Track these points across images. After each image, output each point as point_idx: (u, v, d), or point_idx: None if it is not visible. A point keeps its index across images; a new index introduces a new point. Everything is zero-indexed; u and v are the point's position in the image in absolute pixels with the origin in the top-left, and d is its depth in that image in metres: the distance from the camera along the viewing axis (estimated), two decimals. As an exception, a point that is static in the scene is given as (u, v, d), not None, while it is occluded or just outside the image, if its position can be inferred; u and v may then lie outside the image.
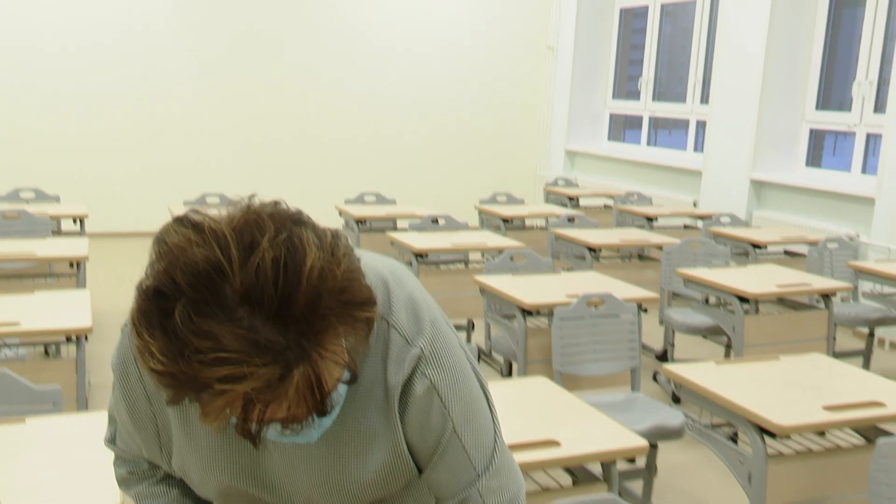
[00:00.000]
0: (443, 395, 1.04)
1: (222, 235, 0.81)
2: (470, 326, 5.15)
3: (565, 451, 1.94)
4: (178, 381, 0.80)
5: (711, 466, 3.56)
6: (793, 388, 2.46)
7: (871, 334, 4.79)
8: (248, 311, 0.78)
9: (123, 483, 1.22)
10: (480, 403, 1.10)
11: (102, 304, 5.66)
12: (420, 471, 1.09)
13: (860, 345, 5.20)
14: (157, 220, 7.76)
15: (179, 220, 0.85)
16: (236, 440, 1.06)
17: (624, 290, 3.52)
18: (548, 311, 3.34)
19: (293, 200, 7.91)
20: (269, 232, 0.81)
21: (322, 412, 0.85)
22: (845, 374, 2.60)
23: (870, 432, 2.55)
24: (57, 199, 5.71)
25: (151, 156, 7.75)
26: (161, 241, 0.84)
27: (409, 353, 1.01)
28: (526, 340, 3.31)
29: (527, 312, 3.32)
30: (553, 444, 1.96)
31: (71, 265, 4.15)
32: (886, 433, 2.46)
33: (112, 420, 1.20)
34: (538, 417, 2.13)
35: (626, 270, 4.74)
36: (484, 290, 3.64)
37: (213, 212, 0.87)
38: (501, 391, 2.32)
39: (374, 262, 1.06)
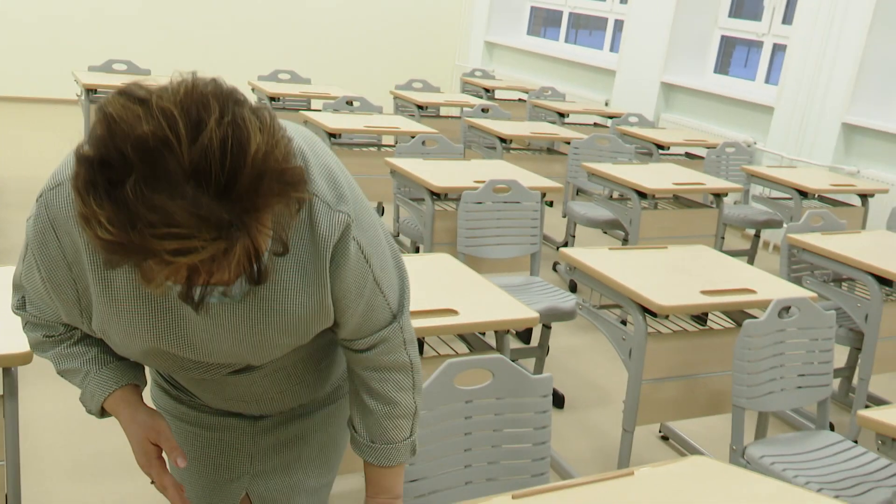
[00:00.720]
0: (366, 254, 1.16)
1: (169, 113, 0.83)
2: (380, 209, 5.23)
3: (462, 319, 2.07)
4: (127, 251, 0.84)
5: (600, 349, 3.81)
6: (676, 275, 2.65)
7: (758, 235, 5.10)
8: (194, 188, 0.81)
9: (38, 347, 1.24)
10: (387, 253, 1.23)
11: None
12: (337, 321, 1.21)
13: (747, 245, 5.53)
14: (60, 86, 7.43)
15: (124, 94, 0.87)
16: (158, 303, 1.10)
17: (530, 179, 3.65)
18: (456, 196, 3.44)
19: (204, 73, 7.66)
20: (214, 112, 0.84)
21: (258, 281, 0.92)
22: (726, 265, 2.81)
23: (740, 317, 2.79)
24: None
25: (54, 20, 7.35)
26: (105, 112, 0.86)
27: (336, 218, 1.10)
28: (433, 223, 3.41)
29: (435, 195, 3.41)
30: (451, 312, 2.09)
31: (-33, 125, 3.99)
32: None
33: (18, 288, 1.20)
34: (439, 289, 2.25)
35: (535, 162, 4.87)
36: (394, 172, 3.70)
37: (152, 85, 0.89)
38: (406, 264, 2.41)
39: (290, 132, 1.12)
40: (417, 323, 2.01)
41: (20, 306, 1.22)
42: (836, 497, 2.08)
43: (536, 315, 2.13)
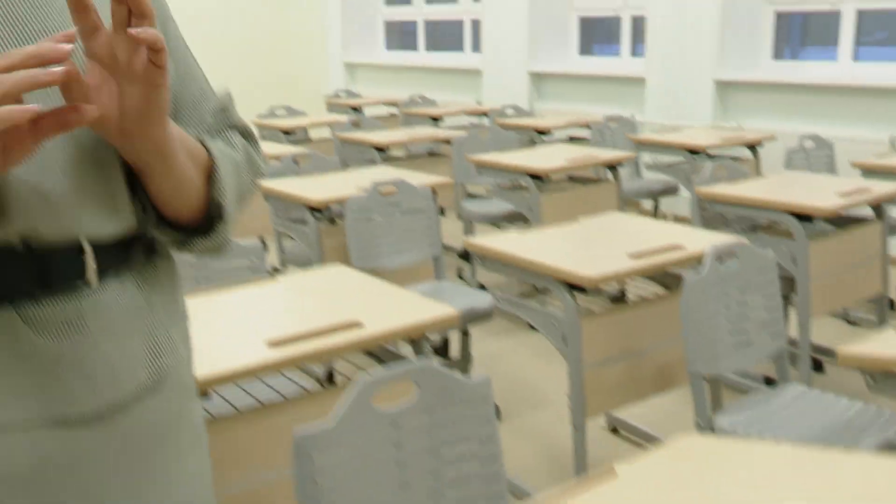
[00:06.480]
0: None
1: None
2: (263, 246, 4.81)
3: (369, 330, 1.72)
4: None
5: (525, 349, 3.52)
6: (595, 244, 2.39)
7: (656, 207, 4.96)
8: None
9: None
10: None
11: None
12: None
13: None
14: None
15: None
16: None
17: (417, 179, 3.34)
18: (339, 210, 3.09)
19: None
20: None
21: None
22: (640, 226, 2.58)
23: (669, 280, 2.55)
24: None
25: None
26: None
27: None
28: (320, 242, 3.05)
29: (316, 212, 3.05)
30: (355, 325, 1.74)
31: None
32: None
33: None
34: (337, 302, 1.90)
35: (418, 167, 4.58)
36: (269, 197, 3.33)
37: None
38: (297, 282, 2.06)
39: None
40: (317, 343, 1.66)
41: None
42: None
43: (454, 312, 1.81)
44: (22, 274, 0.81)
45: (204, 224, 0.93)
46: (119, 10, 0.74)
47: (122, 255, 0.89)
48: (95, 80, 0.76)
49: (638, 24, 6.10)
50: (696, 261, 2.28)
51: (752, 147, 4.53)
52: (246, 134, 1.05)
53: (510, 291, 3.94)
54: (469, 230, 4.58)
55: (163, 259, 0.96)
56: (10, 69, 0.68)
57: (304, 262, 3.45)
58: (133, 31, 0.73)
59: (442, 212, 4.70)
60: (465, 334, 2.99)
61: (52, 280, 0.82)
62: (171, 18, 0.99)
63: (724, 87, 5.30)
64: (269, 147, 4.35)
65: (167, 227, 0.91)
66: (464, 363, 3.01)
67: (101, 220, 0.86)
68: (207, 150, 0.92)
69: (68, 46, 0.69)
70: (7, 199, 0.79)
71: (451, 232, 5.30)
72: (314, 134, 5.75)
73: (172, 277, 0.98)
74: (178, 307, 0.99)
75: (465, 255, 4.74)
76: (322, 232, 3.05)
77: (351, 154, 4.78)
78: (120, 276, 0.88)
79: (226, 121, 1.02)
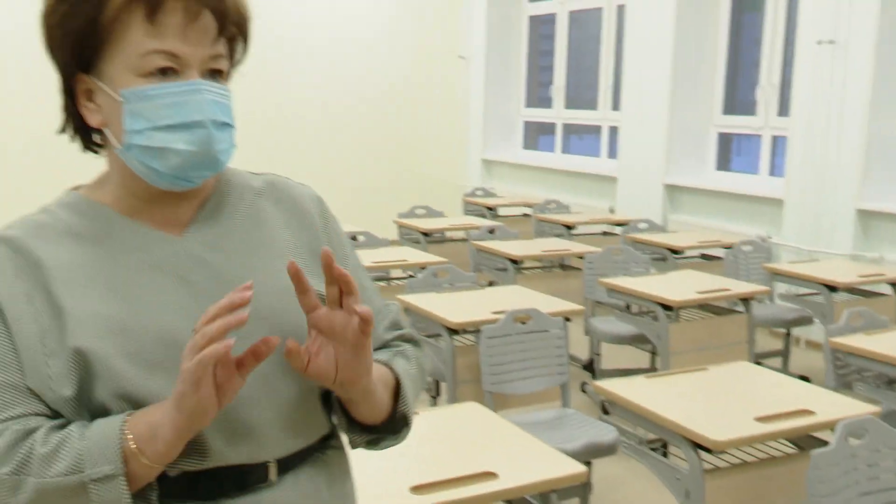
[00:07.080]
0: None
1: None
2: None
3: (503, 483, 1.86)
4: None
5: (646, 477, 3.54)
6: (723, 400, 2.44)
7: (788, 334, 4.89)
8: None
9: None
10: None
11: None
12: None
13: (778, 344, 5.30)
14: None
15: None
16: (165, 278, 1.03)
17: (549, 303, 3.48)
18: (474, 329, 3.26)
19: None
20: None
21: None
22: (772, 382, 2.61)
23: (802, 440, 2.56)
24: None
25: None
26: None
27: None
28: (454, 361, 3.22)
29: (453, 332, 3.23)
30: (490, 476, 1.88)
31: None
32: (817, 440, 2.48)
33: None
34: (472, 447, 2.05)
35: (549, 281, 4.72)
36: (409, 311, 3.54)
37: None
38: (432, 421, 2.22)
39: None
40: (455, 493, 1.80)
41: None
42: None
43: (583, 470, 1.92)
44: (220, 482, 1.02)
45: (387, 426, 1.12)
46: (332, 290, 0.98)
47: (299, 457, 1.09)
48: (316, 346, 0.99)
49: (778, 143, 6.10)
50: (824, 427, 2.30)
51: (894, 284, 4.44)
52: (414, 342, 1.24)
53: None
54: (595, 345, 4.65)
55: (334, 450, 1.15)
56: (209, 321, 0.90)
57: (435, 373, 3.63)
58: (357, 308, 0.93)
59: (568, 319, 4.80)
60: (587, 464, 3.06)
61: (241, 485, 1.03)
62: (354, 253, 1.22)
63: (867, 216, 5.22)
64: (410, 253, 4.61)
65: (357, 430, 1.11)
66: (584, 491, 3.07)
67: (287, 446, 1.06)
68: (393, 372, 1.11)
69: (249, 293, 0.90)
70: (214, 444, 1.00)
71: (577, 340, 5.38)
72: (450, 234, 6.01)
73: (342, 464, 1.17)
74: (346, 489, 1.16)
75: (590, 368, 4.81)
76: (456, 351, 3.23)
77: (485, 260, 4.98)
78: (295, 472, 1.08)
79: (398, 334, 1.22)
